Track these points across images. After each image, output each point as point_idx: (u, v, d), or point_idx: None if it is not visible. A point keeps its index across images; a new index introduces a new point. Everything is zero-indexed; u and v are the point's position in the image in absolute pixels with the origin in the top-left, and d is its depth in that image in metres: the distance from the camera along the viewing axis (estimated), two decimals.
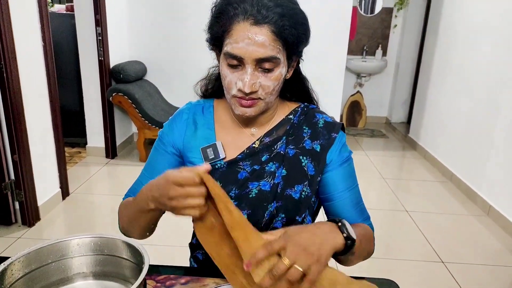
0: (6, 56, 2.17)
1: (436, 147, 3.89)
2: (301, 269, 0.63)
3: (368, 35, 5.18)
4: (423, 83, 4.33)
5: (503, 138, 2.81)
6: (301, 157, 0.91)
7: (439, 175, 3.66)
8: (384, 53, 5.24)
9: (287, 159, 0.90)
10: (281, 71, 0.82)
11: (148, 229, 0.86)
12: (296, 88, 0.98)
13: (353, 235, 0.71)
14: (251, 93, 0.81)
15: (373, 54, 5.23)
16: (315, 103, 1.02)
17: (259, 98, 0.83)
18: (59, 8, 3.79)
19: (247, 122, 0.93)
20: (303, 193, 0.89)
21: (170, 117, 0.98)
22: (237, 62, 0.79)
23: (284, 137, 0.92)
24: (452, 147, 3.56)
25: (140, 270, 0.67)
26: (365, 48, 5.20)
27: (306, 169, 0.90)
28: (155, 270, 0.80)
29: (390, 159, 4.16)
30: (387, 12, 5.06)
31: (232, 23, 0.78)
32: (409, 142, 4.56)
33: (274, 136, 0.93)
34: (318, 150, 0.91)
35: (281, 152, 0.90)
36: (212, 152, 0.90)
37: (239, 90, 0.80)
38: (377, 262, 2.28)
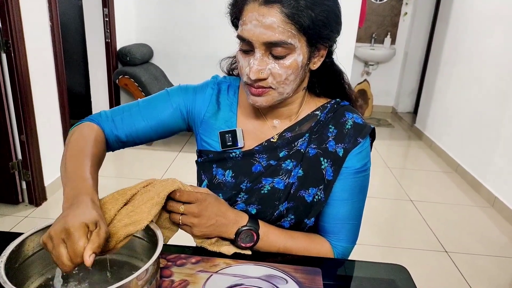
0: (14, 36, 2.16)
1: (442, 138, 3.87)
2: (183, 223, 0.77)
3: (377, 23, 5.12)
4: (431, 72, 4.28)
5: (510, 129, 2.78)
6: (321, 158, 0.85)
7: (444, 165, 3.64)
8: (393, 41, 5.17)
9: (306, 158, 0.84)
10: (297, 59, 0.74)
11: None
12: (326, 83, 0.89)
13: (245, 243, 0.80)
14: (259, 80, 0.75)
15: (382, 42, 5.17)
16: (352, 100, 0.92)
17: (270, 87, 0.77)
18: None
19: (268, 112, 0.88)
20: (316, 197, 0.85)
21: (198, 84, 0.92)
22: (248, 47, 0.75)
23: (307, 134, 0.86)
24: (459, 137, 3.54)
25: (151, 247, 0.67)
26: (373, 35, 5.14)
27: (324, 172, 0.84)
28: (165, 248, 0.81)
29: (395, 149, 4.14)
30: None
31: (244, 3, 0.74)
32: (415, 132, 4.54)
33: (296, 131, 0.87)
34: (341, 155, 0.84)
35: (301, 150, 0.85)
36: (230, 139, 0.86)
37: (247, 76, 0.76)
38: (380, 250, 2.30)
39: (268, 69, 0.74)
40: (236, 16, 0.78)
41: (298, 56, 0.74)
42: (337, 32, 0.79)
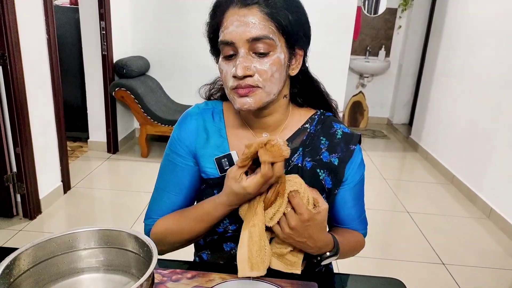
0: (11, 48, 2.17)
1: (438, 149, 3.89)
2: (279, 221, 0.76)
3: (372, 36, 5.18)
4: (425, 84, 4.32)
5: (505, 141, 2.80)
6: (318, 170, 0.88)
7: (440, 177, 3.66)
8: (387, 54, 5.23)
9: (305, 172, 0.87)
10: (279, 56, 0.77)
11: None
12: (306, 91, 0.92)
13: (326, 262, 0.84)
14: (246, 77, 0.77)
15: (376, 54, 5.23)
16: (333, 109, 0.96)
17: (257, 86, 0.78)
18: (63, 1, 3.78)
19: (255, 125, 0.89)
20: None
21: (177, 124, 0.93)
22: (231, 51, 0.77)
23: (301, 149, 0.88)
24: (454, 149, 3.56)
25: (146, 264, 0.67)
26: (368, 48, 5.20)
27: (323, 182, 0.88)
28: (160, 263, 0.80)
29: (391, 160, 4.16)
30: (391, 12, 5.05)
31: (224, 12, 0.78)
32: (410, 143, 4.56)
33: (290, 146, 0.87)
34: (336, 164, 0.88)
35: (298, 164, 0.87)
36: (227, 163, 0.86)
37: (234, 76, 0.77)
38: (377, 262, 2.29)
39: (254, 66, 0.77)
40: (215, 29, 0.80)
41: (280, 54, 0.78)
42: (308, 38, 0.84)
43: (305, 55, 0.86)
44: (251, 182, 0.72)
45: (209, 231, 0.88)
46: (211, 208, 0.82)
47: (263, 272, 0.75)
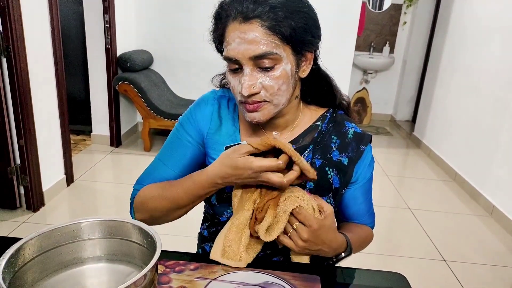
0: (15, 41, 2.17)
1: (441, 146, 3.88)
2: (291, 237, 0.78)
3: (376, 32, 5.15)
4: (429, 81, 4.31)
5: (508, 139, 2.79)
6: (327, 168, 0.87)
7: (443, 174, 3.65)
8: (392, 50, 5.20)
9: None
10: (285, 68, 0.75)
11: (190, 208, 0.87)
12: (318, 90, 0.90)
13: (340, 260, 0.85)
14: (253, 95, 0.76)
15: (381, 50, 5.20)
16: (344, 108, 0.94)
17: (265, 101, 0.77)
18: None
19: (266, 125, 0.89)
20: None
21: (193, 105, 0.93)
22: (236, 66, 0.76)
23: (311, 146, 0.88)
24: (457, 146, 3.55)
25: (150, 254, 0.67)
26: (372, 44, 5.17)
27: (331, 181, 0.88)
28: (164, 255, 0.81)
29: (394, 157, 4.15)
30: (396, 8, 5.02)
31: (225, 26, 0.75)
32: (413, 140, 4.55)
33: (301, 143, 0.88)
34: (346, 163, 0.88)
35: (308, 161, 0.86)
36: None
37: (240, 94, 0.76)
38: (379, 258, 2.29)
39: (259, 83, 0.75)
40: (219, 40, 0.79)
41: (286, 65, 0.75)
42: (318, 37, 0.80)
43: (315, 54, 0.83)
44: (260, 161, 0.72)
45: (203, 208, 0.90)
46: (198, 177, 0.81)
47: (234, 263, 0.78)
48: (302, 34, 0.75)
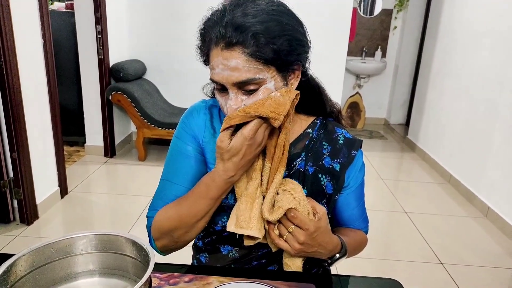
0: (6, 54, 2.16)
1: (435, 149, 3.90)
2: (286, 240, 0.79)
3: (368, 37, 5.19)
4: (422, 85, 4.34)
5: (501, 140, 2.82)
6: (320, 175, 0.88)
7: (437, 176, 3.66)
8: (384, 55, 5.25)
9: (307, 177, 0.88)
10: (268, 87, 0.74)
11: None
12: (308, 100, 0.90)
13: (337, 263, 0.86)
14: None
15: (372, 55, 5.24)
16: (334, 115, 0.95)
17: None
18: (59, 6, 3.77)
19: None
20: None
21: (184, 116, 0.92)
22: (221, 87, 0.77)
23: (303, 153, 0.89)
24: (451, 149, 3.57)
25: (144, 268, 0.67)
26: (364, 49, 5.21)
27: (324, 187, 0.89)
28: (158, 267, 0.80)
29: (388, 161, 4.16)
30: (387, 13, 5.07)
31: (209, 48, 0.76)
32: (407, 143, 4.57)
33: (293, 151, 0.89)
34: (338, 169, 0.89)
35: (301, 169, 0.87)
36: None
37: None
38: (375, 263, 2.29)
39: (244, 105, 0.75)
40: (205, 59, 0.80)
41: (269, 84, 0.75)
42: (305, 52, 0.79)
43: (304, 66, 0.81)
44: (244, 128, 0.74)
45: (206, 227, 0.87)
46: (210, 179, 0.81)
47: (248, 232, 0.78)
48: (286, 56, 0.74)
